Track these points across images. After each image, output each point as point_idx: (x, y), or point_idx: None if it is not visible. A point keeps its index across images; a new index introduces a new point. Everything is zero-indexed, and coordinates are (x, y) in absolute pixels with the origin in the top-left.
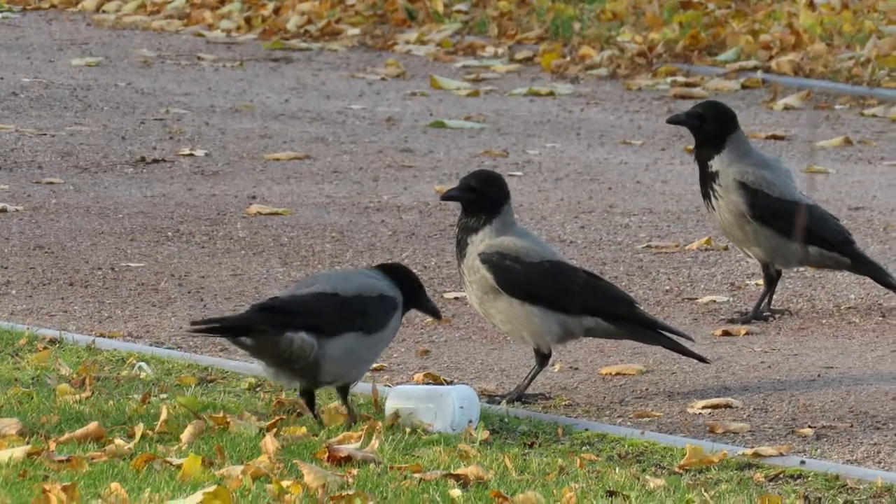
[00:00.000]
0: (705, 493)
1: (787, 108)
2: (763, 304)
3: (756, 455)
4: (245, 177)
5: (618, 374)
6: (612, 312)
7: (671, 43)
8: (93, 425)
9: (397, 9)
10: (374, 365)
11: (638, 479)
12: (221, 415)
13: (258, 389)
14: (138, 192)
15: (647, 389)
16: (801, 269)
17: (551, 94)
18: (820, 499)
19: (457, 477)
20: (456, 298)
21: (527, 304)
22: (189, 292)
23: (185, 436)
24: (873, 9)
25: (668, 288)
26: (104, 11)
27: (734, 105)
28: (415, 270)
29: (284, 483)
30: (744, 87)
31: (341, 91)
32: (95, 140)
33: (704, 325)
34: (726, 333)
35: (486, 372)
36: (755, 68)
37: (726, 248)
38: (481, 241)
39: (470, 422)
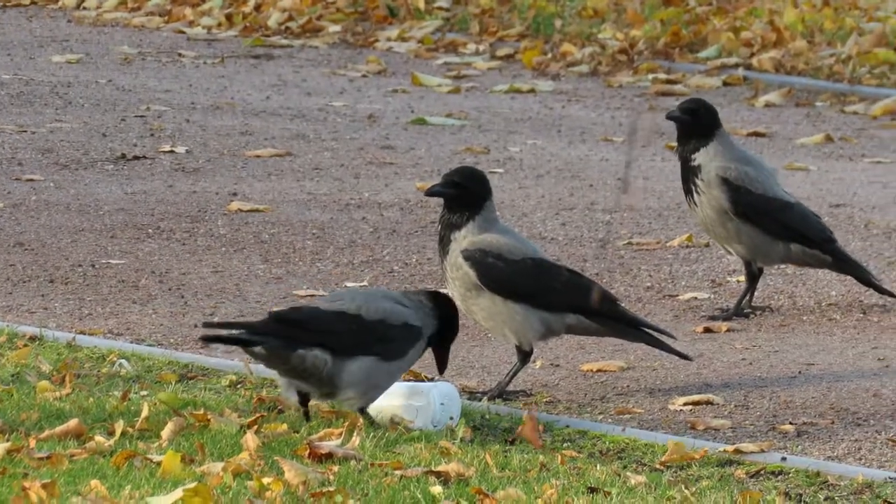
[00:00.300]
0: (686, 490)
1: (768, 105)
2: (744, 301)
3: (737, 451)
4: (226, 174)
5: (599, 370)
6: (594, 310)
7: (652, 40)
8: (73, 422)
9: (378, 6)
10: None
11: (619, 475)
12: (202, 412)
13: (239, 386)
14: (119, 189)
15: (628, 386)
16: (783, 266)
17: (532, 91)
18: (801, 495)
19: (438, 474)
20: None
21: (509, 302)
22: (170, 289)
23: (166, 433)
24: (854, 6)
25: (649, 285)
26: (85, 8)
27: (716, 102)
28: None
29: (265, 480)
30: (725, 84)
31: (322, 88)
32: (76, 137)
33: (686, 321)
34: (708, 330)
35: (467, 369)
36: (736, 65)
37: (707, 245)
38: (464, 238)
39: (451, 419)
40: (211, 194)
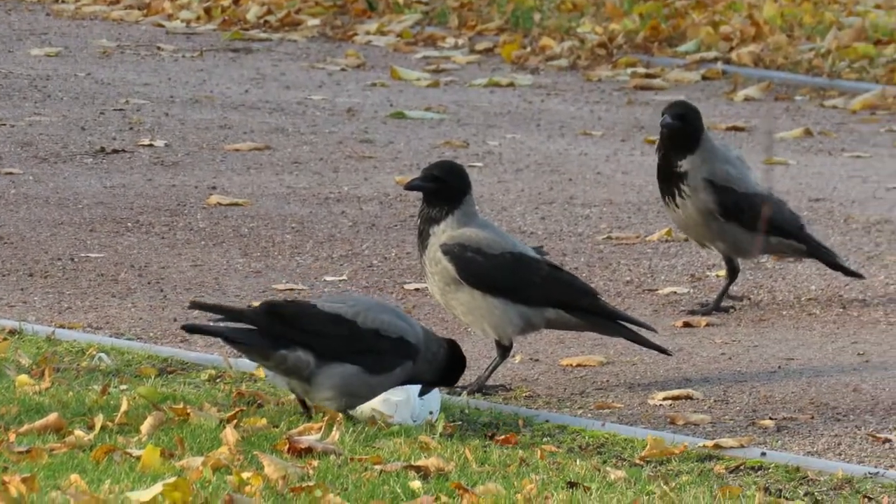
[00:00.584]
0: (666, 485)
1: (747, 99)
2: (723, 296)
3: (717, 447)
4: (205, 167)
5: (579, 365)
6: (574, 304)
7: (631, 34)
8: (52, 416)
9: None
10: None
11: (598, 470)
12: (181, 406)
13: (218, 381)
14: (98, 183)
15: (607, 381)
16: (763, 259)
17: (511, 84)
18: (780, 490)
19: (417, 468)
20: (416, 290)
21: (488, 296)
22: (149, 283)
23: (145, 427)
24: (833, 0)
25: (628, 279)
26: (64, 2)
27: (695, 97)
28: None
29: (245, 475)
30: (704, 78)
31: (301, 82)
32: (55, 130)
33: (665, 316)
34: (687, 325)
35: None
36: (715, 59)
37: (687, 240)
38: (443, 232)
39: (431, 413)
40: (190, 188)
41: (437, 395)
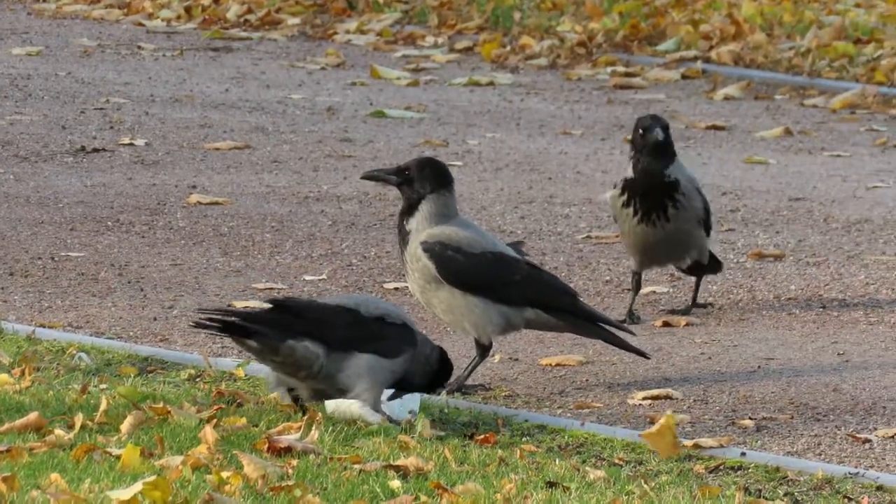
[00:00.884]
0: (645, 485)
1: (727, 98)
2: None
3: (696, 446)
4: (185, 166)
5: (558, 364)
6: (554, 305)
7: (611, 33)
8: (33, 415)
9: None
10: None
11: (578, 470)
12: (161, 405)
13: (198, 380)
14: (78, 182)
15: (587, 380)
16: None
17: (491, 83)
18: (760, 490)
19: (397, 468)
20: (396, 289)
21: (468, 295)
22: (129, 282)
23: (125, 426)
24: None
25: (608, 278)
26: (45, 1)
27: (675, 95)
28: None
29: (224, 474)
30: (684, 77)
31: (281, 81)
32: (35, 129)
33: (644, 315)
34: (666, 324)
35: None
36: (695, 58)
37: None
38: (422, 230)
39: (410, 412)
40: (170, 187)
41: (416, 394)
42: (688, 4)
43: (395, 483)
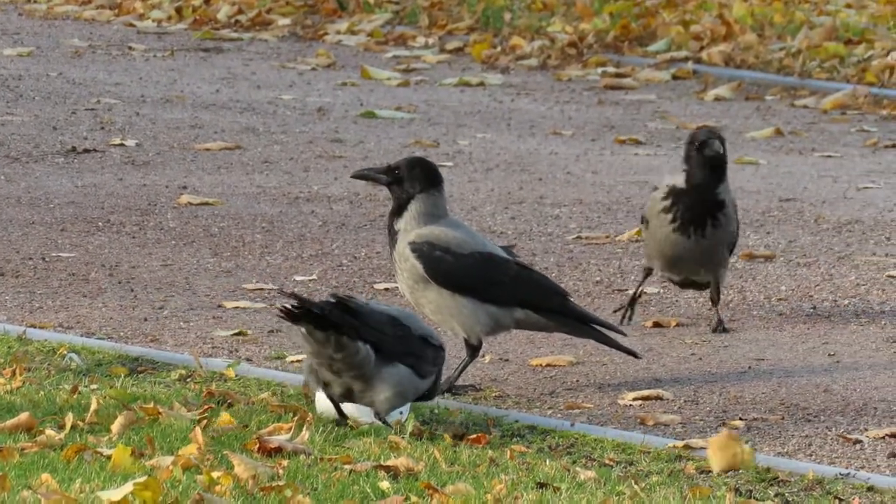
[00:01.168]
0: (636, 486)
1: (717, 98)
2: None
3: (687, 447)
4: (175, 167)
5: (548, 365)
6: (543, 305)
7: (602, 33)
8: (23, 416)
9: None
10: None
11: (568, 470)
12: (152, 405)
13: (188, 380)
14: (69, 183)
15: (577, 381)
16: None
17: (482, 84)
18: (751, 491)
19: (387, 468)
20: (386, 289)
21: (457, 295)
22: (119, 282)
23: (116, 426)
24: (804, 0)
25: (598, 279)
26: (36, 2)
27: (665, 96)
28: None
29: (215, 474)
30: (674, 77)
31: (272, 81)
32: (26, 130)
33: (634, 316)
34: (657, 325)
35: None
36: (686, 59)
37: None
38: (411, 229)
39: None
40: (161, 187)
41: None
42: (678, 5)
43: (386, 483)
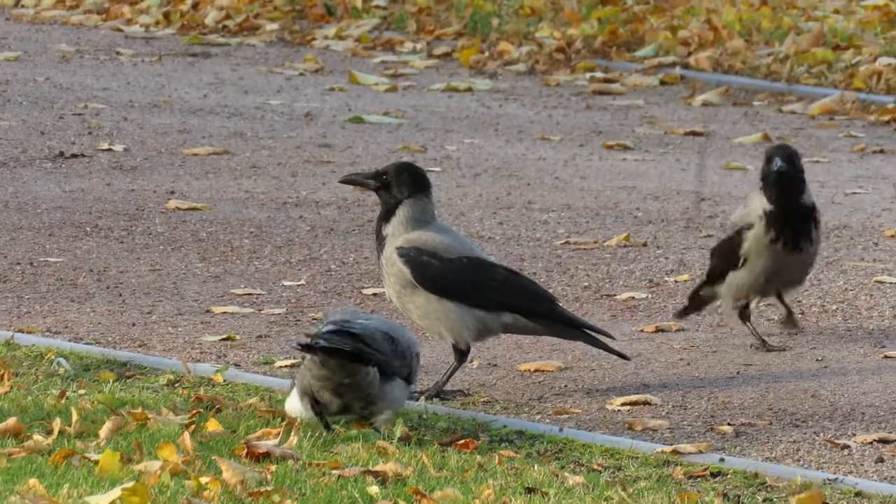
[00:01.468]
0: (624, 491)
1: (705, 104)
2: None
3: (675, 452)
4: (163, 172)
5: (537, 370)
6: (531, 309)
7: (589, 39)
8: (11, 421)
9: (316, 4)
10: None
11: (557, 475)
12: (140, 410)
13: (176, 385)
14: (57, 188)
15: (565, 386)
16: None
17: (469, 89)
18: (739, 496)
19: (375, 473)
20: (374, 294)
21: (444, 300)
22: (107, 287)
23: (104, 432)
24: (792, 5)
25: (586, 284)
26: (23, 6)
27: (653, 101)
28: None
29: (203, 479)
30: (662, 83)
31: (260, 86)
32: (14, 135)
33: (623, 321)
34: (645, 330)
35: None
36: (674, 64)
37: (645, 245)
38: (396, 234)
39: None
40: (149, 192)
41: None
42: (666, 10)
43: (374, 489)
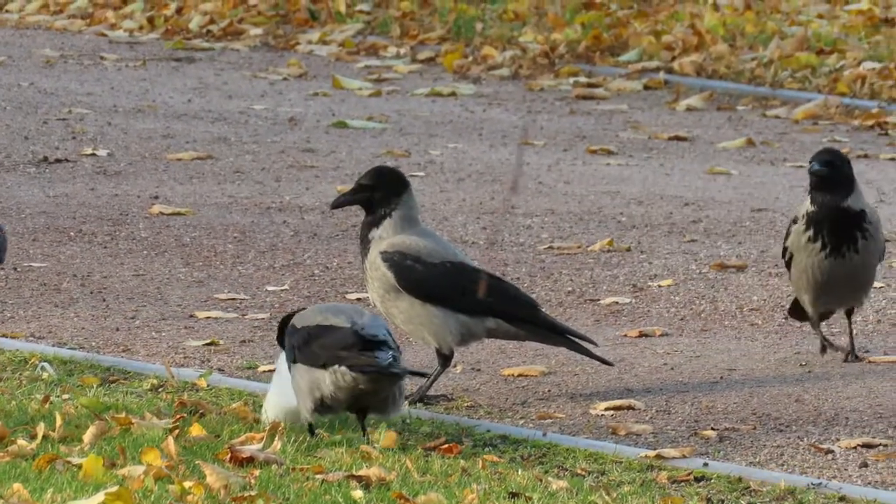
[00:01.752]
0: (607, 495)
1: (689, 108)
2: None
3: (659, 457)
4: (147, 177)
5: (520, 375)
6: (514, 314)
7: (573, 43)
8: None
9: (300, 9)
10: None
11: (540, 480)
12: (124, 415)
13: (160, 390)
14: (41, 192)
15: (549, 391)
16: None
17: (453, 94)
18: (723, 501)
19: (359, 478)
20: (358, 299)
21: (427, 305)
22: (91, 293)
23: (88, 436)
24: (776, 10)
25: (570, 289)
26: (7, 11)
27: (637, 106)
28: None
29: (186, 484)
30: (646, 87)
31: (243, 91)
32: None
33: (607, 326)
34: (628, 335)
35: None
36: (657, 69)
37: (628, 250)
38: (383, 238)
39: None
40: (133, 197)
41: None
42: (650, 15)
43: (358, 493)
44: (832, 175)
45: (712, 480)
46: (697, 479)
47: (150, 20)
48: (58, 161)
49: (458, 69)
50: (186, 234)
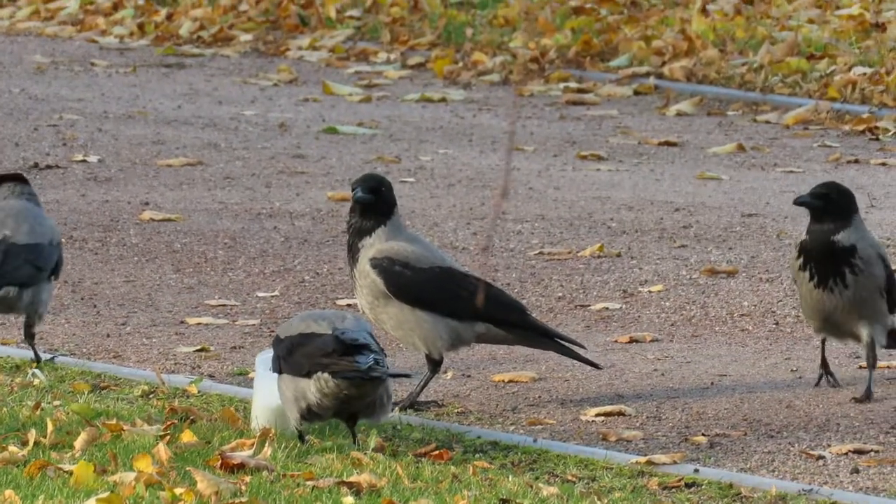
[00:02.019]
0: (598, 501)
1: (679, 114)
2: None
3: (649, 463)
4: (138, 183)
5: (510, 381)
6: (503, 319)
7: (563, 49)
8: None
9: (290, 15)
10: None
11: (531, 486)
12: (115, 422)
13: (151, 396)
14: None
15: (539, 397)
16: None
17: (443, 99)
18: None
19: (350, 484)
20: (348, 305)
21: (417, 310)
22: (82, 299)
23: (79, 443)
24: (766, 15)
25: (560, 295)
26: None
27: (627, 112)
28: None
29: (177, 490)
30: (636, 93)
31: (234, 97)
32: None
33: (597, 332)
34: (619, 341)
35: None
36: (648, 74)
37: (619, 255)
38: (372, 246)
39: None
40: (123, 203)
41: None
42: (640, 20)
43: (349, 500)
44: (824, 207)
45: (703, 486)
46: (688, 486)
47: (141, 26)
48: (48, 167)
49: (449, 75)
50: (177, 240)
